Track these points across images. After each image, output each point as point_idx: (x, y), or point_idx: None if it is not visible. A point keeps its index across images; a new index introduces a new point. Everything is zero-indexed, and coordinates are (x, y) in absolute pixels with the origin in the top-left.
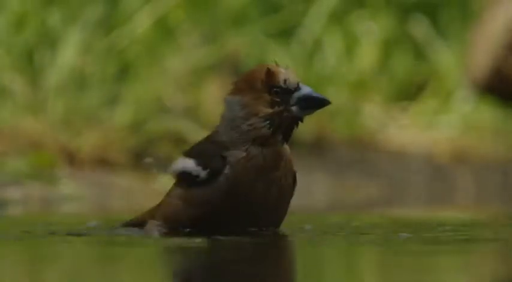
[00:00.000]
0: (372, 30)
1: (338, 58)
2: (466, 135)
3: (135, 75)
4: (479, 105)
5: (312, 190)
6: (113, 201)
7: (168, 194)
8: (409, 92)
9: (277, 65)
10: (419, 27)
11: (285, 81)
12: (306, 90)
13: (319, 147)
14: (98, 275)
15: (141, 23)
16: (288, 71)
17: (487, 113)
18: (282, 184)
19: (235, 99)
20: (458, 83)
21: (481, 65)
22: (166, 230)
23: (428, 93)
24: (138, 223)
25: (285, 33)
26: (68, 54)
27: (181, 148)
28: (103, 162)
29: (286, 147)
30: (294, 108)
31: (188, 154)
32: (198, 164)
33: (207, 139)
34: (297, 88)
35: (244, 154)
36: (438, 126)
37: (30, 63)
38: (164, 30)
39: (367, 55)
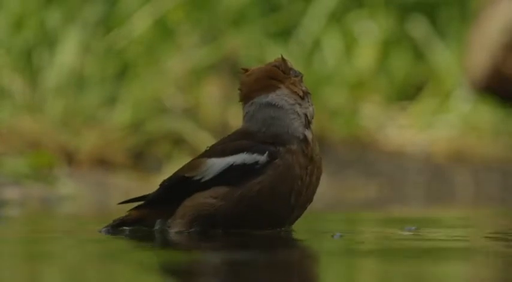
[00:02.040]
0: (370, 30)
1: (337, 58)
2: (465, 135)
3: (134, 76)
4: (478, 105)
5: None
6: (111, 201)
7: (198, 195)
8: (408, 92)
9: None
10: (418, 27)
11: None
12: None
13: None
14: (98, 275)
15: (140, 23)
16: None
17: (486, 113)
18: (320, 170)
19: (271, 96)
20: (457, 83)
21: (479, 65)
22: (195, 230)
23: (427, 93)
24: (134, 221)
25: (284, 33)
26: (67, 55)
27: (180, 148)
28: (102, 162)
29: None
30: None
31: (220, 154)
32: (253, 152)
33: (243, 136)
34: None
35: (292, 147)
36: (437, 126)
37: (29, 63)
38: (163, 30)
39: (366, 55)
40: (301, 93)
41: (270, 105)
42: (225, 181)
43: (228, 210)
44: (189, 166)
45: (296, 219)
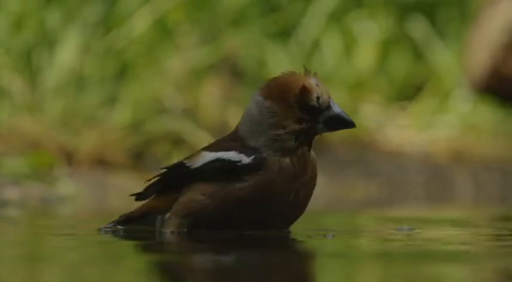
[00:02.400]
0: (370, 30)
1: (337, 58)
2: (465, 135)
3: (133, 76)
4: (477, 105)
5: None
6: (111, 201)
7: (191, 190)
8: (408, 92)
9: (308, 73)
10: (418, 27)
11: (317, 99)
12: (336, 109)
13: (317, 146)
14: (98, 276)
15: (140, 23)
16: (320, 86)
17: (486, 113)
18: (309, 189)
19: (266, 103)
20: (456, 83)
21: (479, 65)
22: (186, 228)
23: (426, 93)
24: (138, 216)
25: (284, 34)
26: (67, 55)
27: (180, 148)
28: (102, 162)
29: (312, 154)
30: (320, 125)
31: (215, 149)
32: (239, 152)
33: (232, 138)
34: (328, 107)
35: (276, 159)
36: (436, 126)
37: (28, 64)
38: (163, 30)
39: (366, 55)
40: (288, 128)
41: (261, 108)
42: (210, 173)
43: (215, 209)
44: (189, 156)
45: (286, 226)
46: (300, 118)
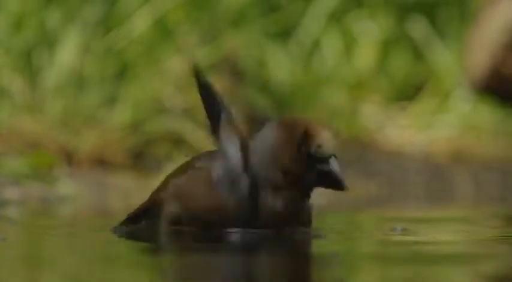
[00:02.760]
0: (370, 30)
1: (336, 58)
2: (465, 135)
3: (133, 76)
4: (477, 105)
5: None
6: (111, 202)
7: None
8: (408, 92)
9: (320, 123)
10: (418, 27)
11: (318, 147)
12: (334, 166)
13: None
14: (97, 277)
15: (140, 23)
16: (327, 135)
17: (486, 113)
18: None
19: (273, 132)
20: (456, 83)
21: (479, 65)
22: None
23: (426, 93)
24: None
25: (284, 34)
26: (67, 55)
27: (180, 148)
28: (102, 162)
29: (307, 202)
30: (311, 175)
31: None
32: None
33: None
34: (326, 160)
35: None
36: (437, 126)
37: (28, 64)
38: (163, 30)
39: (366, 55)
40: (280, 164)
41: (267, 136)
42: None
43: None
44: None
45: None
46: (297, 159)
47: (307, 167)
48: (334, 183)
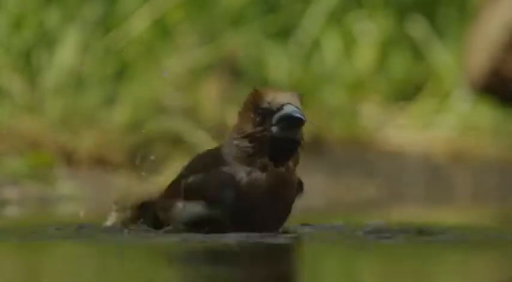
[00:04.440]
0: (370, 31)
1: (336, 58)
2: (464, 136)
3: (133, 75)
4: (477, 106)
5: (310, 190)
6: (111, 201)
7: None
8: (407, 92)
9: (274, 88)
10: (418, 27)
11: (269, 102)
12: (287, 109)
13: (317, 147)
14: (98, 275)
15: (139, 23)
16: (277, 93)
17: (485, 113)
18: (286, 203)
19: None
20: (456, 83)
21: (479, 65)
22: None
23: (426, 93)
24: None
25: (283, 34)
26: (66, 54)
27: (180, 148)
28: (101, 162)
29: (291, 171)
30: (273, 128)
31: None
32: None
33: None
34: (280, 108)
35: (246, 177)
36: (436, 126)
37: (28, 63)
38: (162, 30)
39: (365, 55)
40: (242, 133)
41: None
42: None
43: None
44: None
45: (279, 227)
46: (254, 121)
47: (266, 122)
48: (291, 121)
